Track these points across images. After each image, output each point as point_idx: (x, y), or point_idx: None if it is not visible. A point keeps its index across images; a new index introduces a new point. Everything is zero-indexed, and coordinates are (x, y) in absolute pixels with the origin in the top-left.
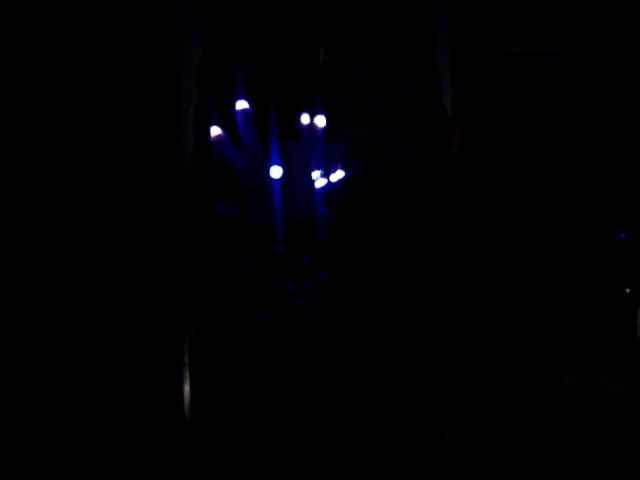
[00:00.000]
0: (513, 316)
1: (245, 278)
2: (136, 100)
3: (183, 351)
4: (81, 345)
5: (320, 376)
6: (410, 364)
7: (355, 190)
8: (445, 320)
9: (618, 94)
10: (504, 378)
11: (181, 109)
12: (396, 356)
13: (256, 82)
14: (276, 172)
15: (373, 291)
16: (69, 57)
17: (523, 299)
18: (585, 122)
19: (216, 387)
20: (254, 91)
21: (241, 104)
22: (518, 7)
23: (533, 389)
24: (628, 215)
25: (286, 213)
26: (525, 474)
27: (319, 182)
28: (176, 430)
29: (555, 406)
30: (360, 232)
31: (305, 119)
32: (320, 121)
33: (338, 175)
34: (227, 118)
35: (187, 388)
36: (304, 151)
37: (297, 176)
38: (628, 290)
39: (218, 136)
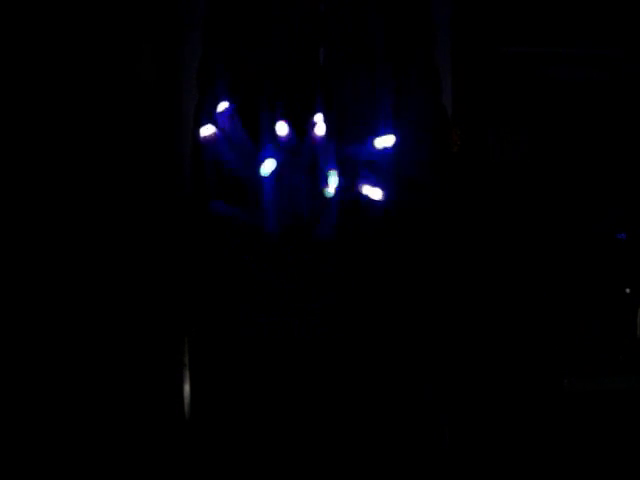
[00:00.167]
0: (513, 316)
1: (245, 278)
2: (136, 100)
3: (183, 351)
4: (80, 345)
5: (320, 376)
6: (410, 365)
7: (354, 190)
8: (445, 320)
9: (618, 94)
10: (504, 378)
11: (181, 109)
12: (397, 357)
13: (256, 82)
14: (267, 169)
15: (373, 291)
16: (69, 57)
17: (523, 299)
18: (585, 122)
19: (216, 387)
20: (254, 91)
21: (223, 105)
22: (518, 7)
23: (533, 389)
24: (628, 215)
25: (286, 213)
26: (525, 474)
27: (326, 182)
28: (176, 430)
29: (555, 406)
30: (360, 232)
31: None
32: (319, 120)
33: (335, 177)
34: (225, 118)
35: (187, 388)
36: (303, 151)
37: (296, 175)
38: (628, 290)
39: (212, 134)
